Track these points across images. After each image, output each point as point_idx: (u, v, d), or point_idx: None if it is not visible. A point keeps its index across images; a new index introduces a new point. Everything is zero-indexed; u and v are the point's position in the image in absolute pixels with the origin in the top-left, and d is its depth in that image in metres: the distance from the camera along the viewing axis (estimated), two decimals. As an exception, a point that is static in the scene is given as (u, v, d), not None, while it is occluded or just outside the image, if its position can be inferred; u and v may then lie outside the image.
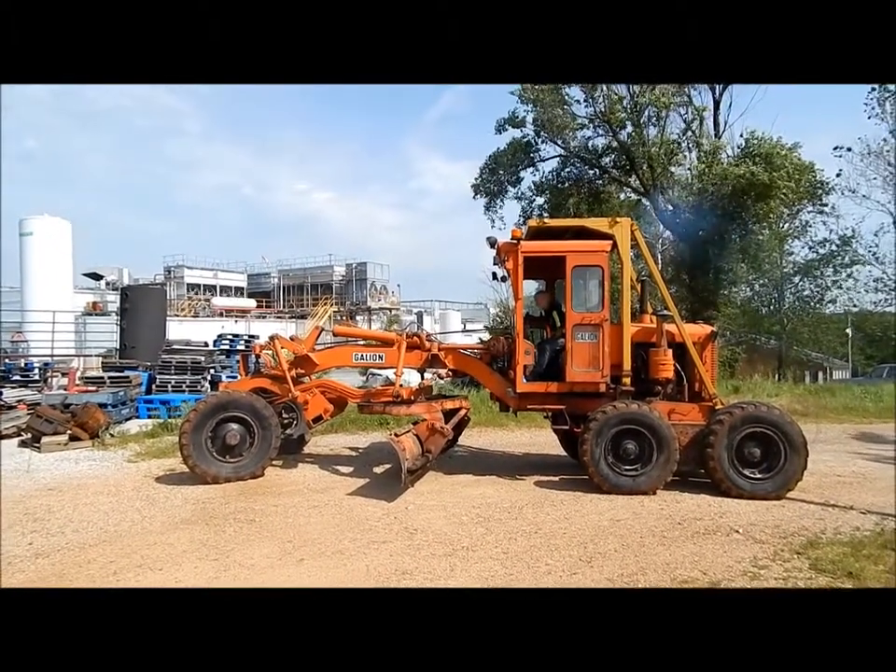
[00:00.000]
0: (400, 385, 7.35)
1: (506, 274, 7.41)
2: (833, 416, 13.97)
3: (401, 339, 7.56)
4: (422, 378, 8.17)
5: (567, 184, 24.34)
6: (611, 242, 6.95)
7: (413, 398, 7.39)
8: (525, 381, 7.08)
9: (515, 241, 7.06)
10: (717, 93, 23.12)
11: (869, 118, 30.66)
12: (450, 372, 7.91)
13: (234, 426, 6.97)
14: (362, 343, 8.36)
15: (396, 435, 6.35)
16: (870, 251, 30.44)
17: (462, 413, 7.67)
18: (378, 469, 7.87)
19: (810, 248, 28.22)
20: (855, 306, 31.82)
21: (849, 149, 32.00)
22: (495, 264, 7.62)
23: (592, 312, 6.89)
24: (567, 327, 6.91)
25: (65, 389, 12.89)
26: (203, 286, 47.89)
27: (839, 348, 36.71)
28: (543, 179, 24.77)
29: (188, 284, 47.11)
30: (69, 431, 9.33)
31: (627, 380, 6.87)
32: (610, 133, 22.74)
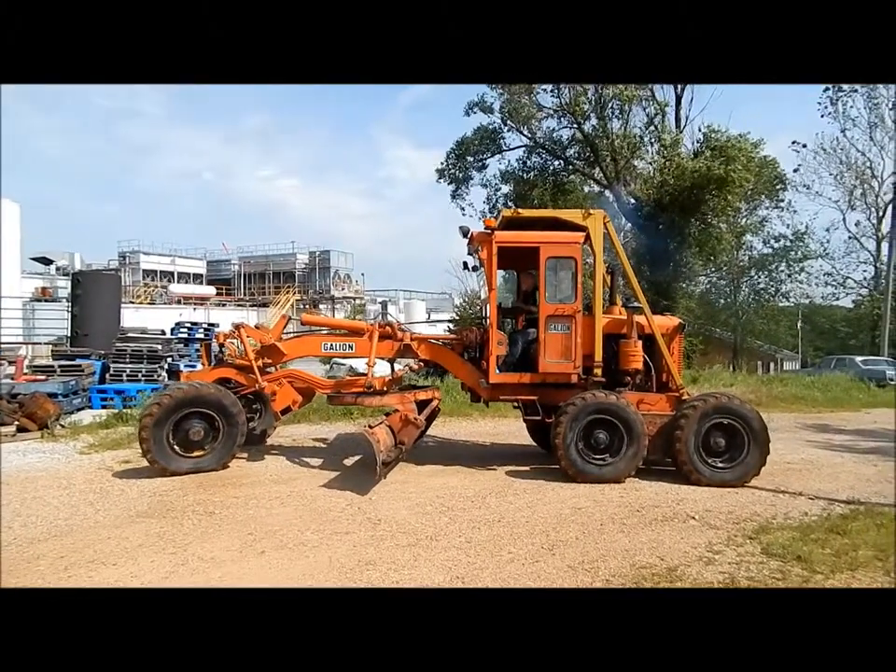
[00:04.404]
0: (372, 376, 7.26)
1: (478, 264, 7.39)
2: (784, 406, 14.53)
3: (373, 328, 7.47)
4: (392, 369, 8.09)
5: (531, 174, 24.52)
6: (584, 234, 7.01)
7: (385, 388, 7.31)
8: (497, 371, 7.11)
9: (489, 230, 7.04)
10: (679, 89, 23.58)
11: (822, 116, 31.85)
12: (421, 363, 7.84)
13: (199, 421, 6.75)
14: (326, 331, 8.24)
15: (370, 427, 6.27)
16: (821, 246, 31.71)
17: (434, 404, 7.65)
18: (344, 460, 7.80)
19: (765, 243, 29.20)
20: (808, 297, 33.17)
21: (805, 145, 33.20)
22: (469, 254, 7.58)
23: (565, 303, 6.95)
24: (540, 318, 6.94)
25: (12, 378, 12.35)
26: (160, 272, 46.39)
27: (790, 340, 38.14)
28: (509, 168, 24.91)
29: (143, 270, 45.52)
30: (16, 422, 8.96)
31: (599, 371, 6.96)
32: (575, 125, 22.98)
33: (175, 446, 6.67)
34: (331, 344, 7.64)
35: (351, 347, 7.55)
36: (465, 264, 7.93)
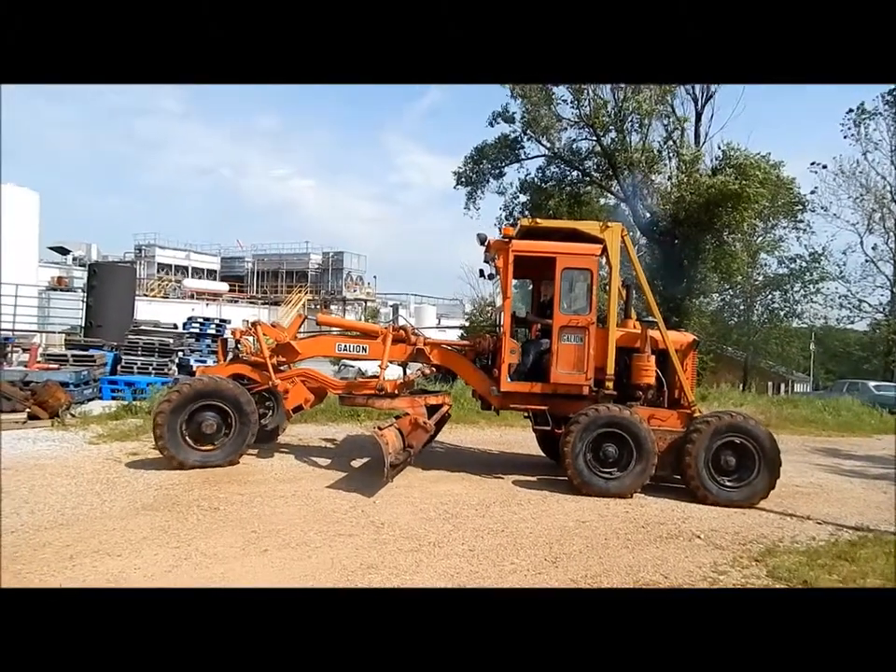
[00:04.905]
0: (384, 379, 7.28)
1: (494, 272, 7.39)
2: (794, 428, 14.37)
3: (387, 331, 7.49)
4: (404, 373, 8.11)
5: (549, 184, 24.51)
6: (601, 246, 7.00)
7: (396, 391, 7.33)
8: (509, 380, 7.09)
9: (507, 239, 7.05)
10: (699, 105, 23.53)
11: (845, 137, 31.67)
12: (433, 368, 7.84)
13: (212, 414, 6.81)
14: (337, 332, 8.28)
15: (379, 429, 6.28)
16: (837, 268, 31.46)
17: (444, 409, 7.64)
18: (352, 462, 7.81)
19: (780, 263, 28.98)
20: (825, 319, 32.88)
21: (825, 166, 33.05)
22: (485, 261, 7.60)
23: (579, 314, 6.94)
24: (554, 328, 6.93)
25: (26, 366, 12.48)
26: (175, 266, 46.82)
27: (802, 362, 37.77)
28: (527, 178, 24.94)
29: (158, 263, 45.97)
30: (28, 409, 9.04)
31: (610, 384, 6.93)
32: (594, 137, 22.96)
33: (187, 437, 6.73)
34: (345, 346, 7.66)
35: (364, 349, 7.55)
36: (481, 272, 7.95)
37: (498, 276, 7.25)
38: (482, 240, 7.27)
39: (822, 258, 28.52)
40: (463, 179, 24.98)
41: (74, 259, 36.28)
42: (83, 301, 17.45)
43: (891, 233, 34.50)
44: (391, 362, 7.55)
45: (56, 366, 11.98)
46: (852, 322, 35.33)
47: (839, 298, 33.07)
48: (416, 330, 7.75)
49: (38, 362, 12.74)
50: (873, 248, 34.82)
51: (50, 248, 35.60)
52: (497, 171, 24.93)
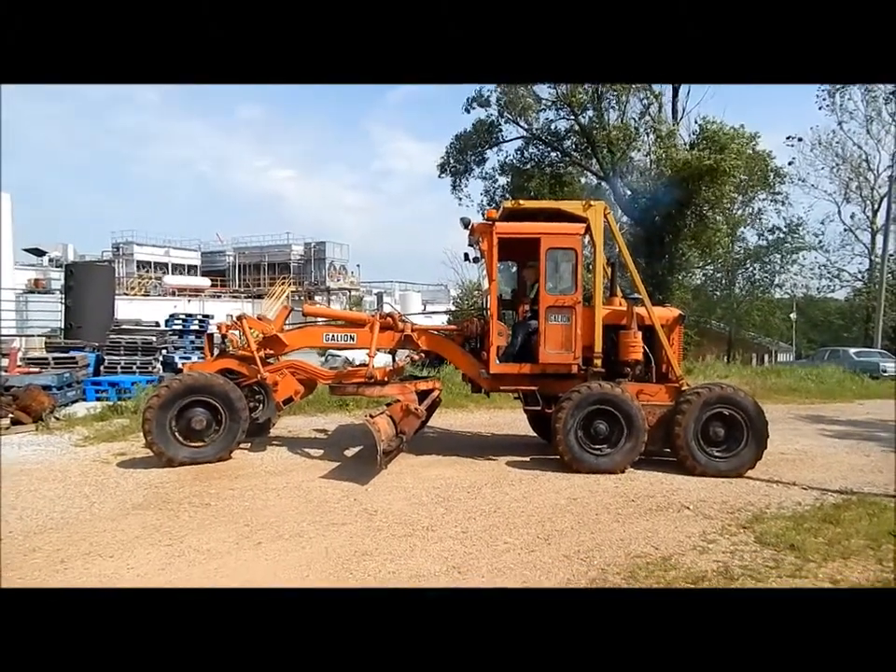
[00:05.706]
0: (373, 366, 7.27)
1: (479, 255, 7.38)
2: (778, 397, 14.62)
3: (374, 320, 7.46)
4: (394, 360, 8.10)
5: (529, 165, 24.49)
6: (585, 225, 7.01)
7: (386, 379, 7.32)
8: (498, 362, 7.12)
9: (490, 222, 7.04)
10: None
11: (820, 108, 31.92)
12: (422, 354, 7.84)
13: (202, 410, 6.76)
14: (322, 322, 8.23)
15: (371, 416, 6.27)
16: (816, 238, 31.85)
17: (435, 394, 7.66)
18: (344, 451, 7.81)
19: (760, 236, 29.25)
20: (806, 289, 33.35)
21: (800, 139, 33.33)
22: (470, 245, 7.58)
23: (565, 294, 6.96)
24: (541, 309, 6.96)
25: (5, 371, 12.28)
26: (154, 263, 46.11)
27: (785, 332, 38.30)
28: (507, 160, 24.89)
29: (138, 261, 45.24)
30: (10, 415, 8.91)
31: (598, 361, 6.98)
32: (572, 116, 22.91)
33: (177, 433, 6.68)
34: (333, 335, 7.61)
35: (352, 338, 7.52)
36: (466, 255, 7.94)
37: (483, 259, 7.24)
38: (465, 223, 7.25)
39: (800, 228, 28.81)
40: (447, 169, 24.96)
41: (50, 260, 35.66)
42: (61, 302, 17.19)
43: (868, 202, 35.01)
44: (380, 350, 7.53)
45: (37, 369, 11.79)
46: (832, 291, 35.97)
47: (819, 268, 33.59)
48: (404, 317, 7.73)
49: (18, 366, 12.54)
50: (851, 217, 35.34)
51: (26, 250, 34.98)
52: (479, 157, 24.91)
